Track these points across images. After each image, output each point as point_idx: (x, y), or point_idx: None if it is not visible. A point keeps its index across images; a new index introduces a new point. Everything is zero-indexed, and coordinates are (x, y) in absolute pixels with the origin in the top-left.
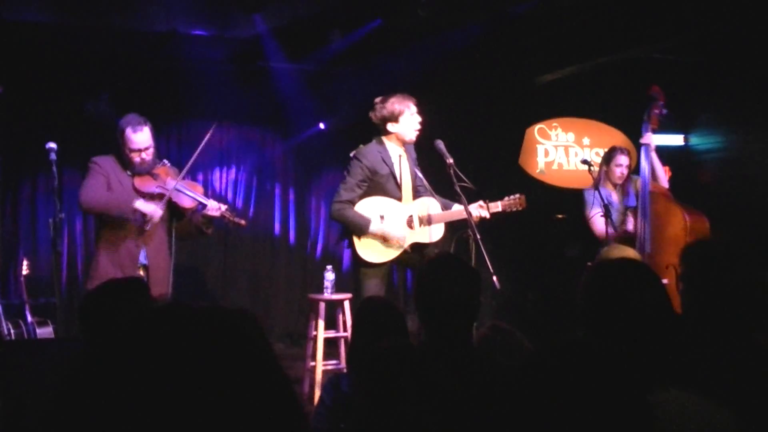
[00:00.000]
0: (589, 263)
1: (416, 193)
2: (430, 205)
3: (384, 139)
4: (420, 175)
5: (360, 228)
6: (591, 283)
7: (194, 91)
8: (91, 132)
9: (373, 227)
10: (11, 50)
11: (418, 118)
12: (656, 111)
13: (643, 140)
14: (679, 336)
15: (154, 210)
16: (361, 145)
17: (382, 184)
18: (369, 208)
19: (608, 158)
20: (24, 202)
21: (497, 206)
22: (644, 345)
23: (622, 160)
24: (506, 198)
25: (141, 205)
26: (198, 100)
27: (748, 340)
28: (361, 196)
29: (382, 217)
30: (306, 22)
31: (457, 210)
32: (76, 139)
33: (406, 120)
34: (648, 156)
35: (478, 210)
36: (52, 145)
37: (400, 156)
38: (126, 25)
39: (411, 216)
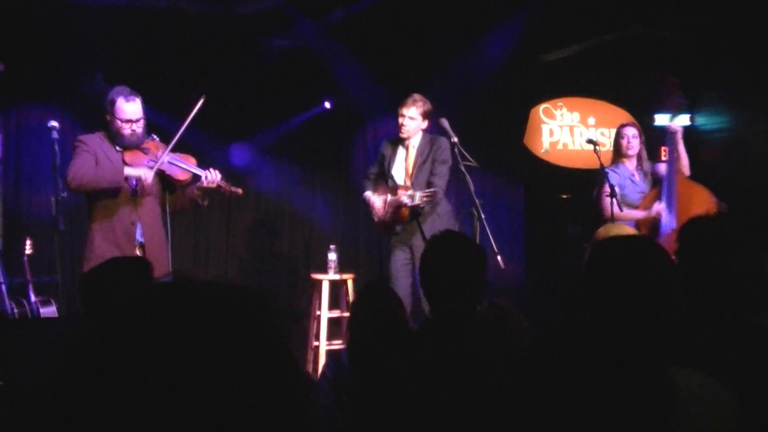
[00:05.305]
0: (586, 244)
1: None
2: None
3: None
4: (429, 168)
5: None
6: (597, 260)
7: (192, 69)
8: (91, 110)
9: (367, 195)
10: (12, 27)
11: (400, 120)
12: (676, 99)
13: (671, 128)
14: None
15: (145, 172)
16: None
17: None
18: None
19: (615, 136)
20: (25, 180)
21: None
22: (652, 323)
23: (627, 131)
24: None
25: (130, 170)
26: (196, 78)
27: (744, 319)
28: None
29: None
30: None
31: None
32: (76, 117)
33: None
34: (674, 142)
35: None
36: (54, 123)
37: (408, 147)
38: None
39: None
